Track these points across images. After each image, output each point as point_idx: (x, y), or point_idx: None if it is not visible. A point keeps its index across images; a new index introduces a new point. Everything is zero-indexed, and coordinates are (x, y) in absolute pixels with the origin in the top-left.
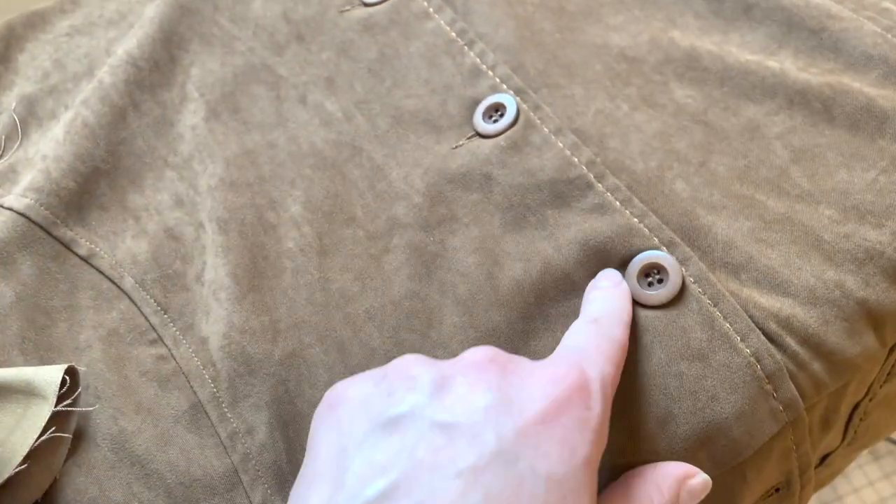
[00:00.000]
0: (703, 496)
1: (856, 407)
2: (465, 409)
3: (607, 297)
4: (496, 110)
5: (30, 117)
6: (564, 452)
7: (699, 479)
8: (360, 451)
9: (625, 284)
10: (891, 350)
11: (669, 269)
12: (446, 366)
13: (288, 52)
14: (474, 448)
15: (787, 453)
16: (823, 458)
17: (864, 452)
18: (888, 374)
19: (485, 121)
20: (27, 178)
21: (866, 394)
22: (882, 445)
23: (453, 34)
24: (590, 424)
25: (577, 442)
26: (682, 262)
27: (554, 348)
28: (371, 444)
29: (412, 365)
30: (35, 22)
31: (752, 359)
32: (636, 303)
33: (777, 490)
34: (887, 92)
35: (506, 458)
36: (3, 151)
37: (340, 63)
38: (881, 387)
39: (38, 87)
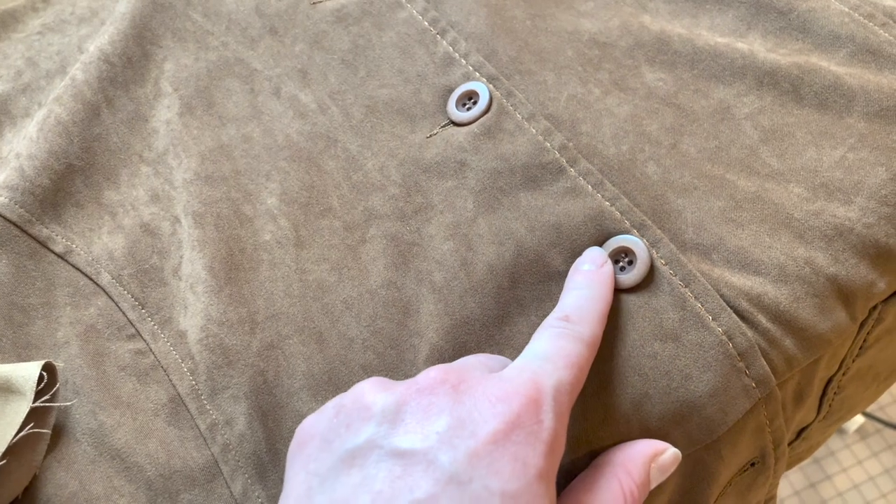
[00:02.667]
0: (673, 468)
1: (829, 381)
2: (419, 436)
3: (586, 284)
4: (469, 98)
5: (3, 116)
6: (517, 468)
7: (668, 454)
8: (323, 488)
9: (608, 266)
10: (861, 325)
11: (637, 251)
12: (401, 390)
13: (261, 45)
14: (429, 475)
15: (761, 429)
16: (800, 433)
17: (852, 431)
18: (860, 349)
19: (458, 109)
20: (1, 176)
21: (839, 368)
22: (869, 425)
23: (426, 23)
24: (541, 437)
25: (528, 456)
26: (654, 244)
27: (528, 333)
28: (332, 480)
29: (367, 392)
30: (6, 21)
31: (723, 337)
32: None
33: (752, 465)
34: (855, 70)
35: (460, 480)
36: None
37: (314, 55)
38: (854, 361)
39: (11, 86)
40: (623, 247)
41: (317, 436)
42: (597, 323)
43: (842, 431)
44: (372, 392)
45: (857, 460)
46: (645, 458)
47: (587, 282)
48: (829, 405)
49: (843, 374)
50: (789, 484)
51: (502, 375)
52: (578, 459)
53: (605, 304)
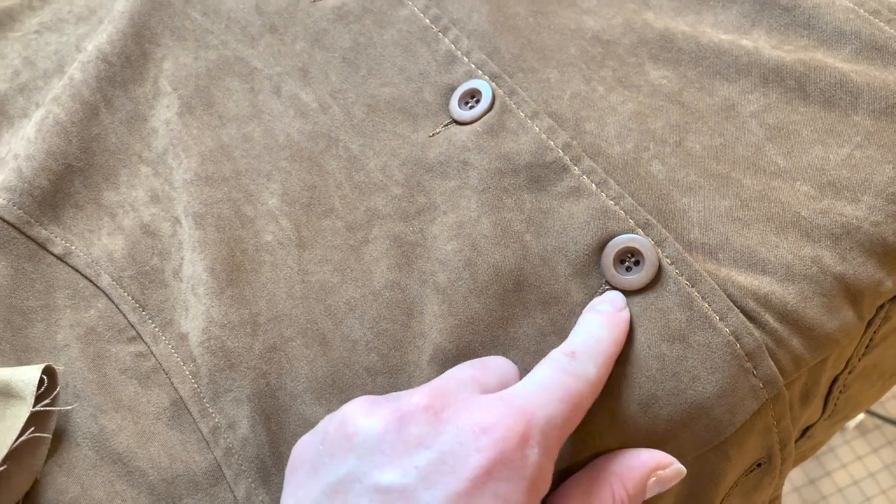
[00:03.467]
0: (673, 483)
1: (835, 380)
2: (399, 472)
3: (599, 324)
4: (472, 96)
5: (1, 116)
6: None
7: (671, 469)
8: None
9: (626, 313)
10: (868, 324)
11: (645, 251)
12: (384, 416)
13: (261, 43)
14: None
15: (768, 429)
16: (805, 431)
17: (852, 428)
18: (867, 348)
19: (461, 107)
20: None
21: (845, 367)
22: (869, 421)
23: (427, 21)
24: (525, 474)
25: (510, 493)
26: (659, 243)
27: (532, 334)
28: None
29: (349, 419)
30: (3, 20)
31: (731, 338)
32: (615, 289)
33: (759, 465)
34: (860, 67)
35: None
36: None
37: (314, 53)
38: (860, 360)
39: (9, 86)
40: (629, 247)
41: (306, 462)
42: (603, 365)
43: (842, 428)
44: (355, 418)
45: (857, 456)
46: (645, 470)
47: (602, 322)
48: (835, 404)
49: (849, 373)
50: (789, 480)
51: (490, 400)
52: (583, 462)
53: (616, 347)
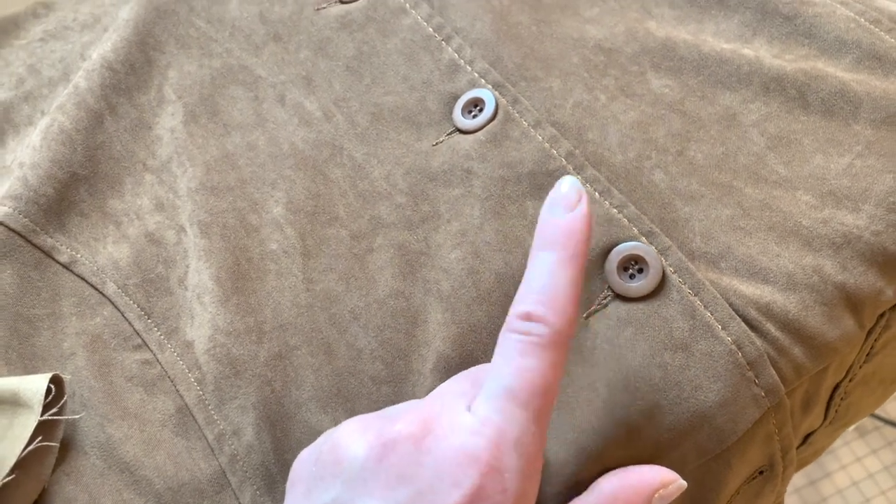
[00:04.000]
0: (674, 498)
1: (836, 388)
2: None
3: (552, 243)
4: (475, 105)
5: (6, 124)
6: None
7: (674, 486)
8: None
9: (583, 207)
10: (868, 332)
11: (649, 259)
12: (370, 442)
13: (265, 52)
14: None
15: (770, 437)
16: (806, 438)
17: (851, 429)
18: (867, 355)
19: (464, 116)
20: (5, 186)
21: (846, 375)
22: (868, 422)
23: (430, 29)
24: (506, 498)
25: None
26: (662, 252)
27: None
28: None
29: (340, 443)
30: (7, 28)
31: (733, 346)
32: (618, 296)
33: (761, 472)
34: (861, 76)
35: None
36: None
37: (318, 62)
38: (860, 368)
39: (14, 94)
40: (633, 254)
41: (303, 479)
42: (568, 307)
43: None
44: (345, 443)
45: (857, 457)
46: (650, 491)
47: (554, 240)
48: (836, 411)
49: (850, 381)
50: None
51: (469, 425)
52: (584, 469)
53: (579, 271)
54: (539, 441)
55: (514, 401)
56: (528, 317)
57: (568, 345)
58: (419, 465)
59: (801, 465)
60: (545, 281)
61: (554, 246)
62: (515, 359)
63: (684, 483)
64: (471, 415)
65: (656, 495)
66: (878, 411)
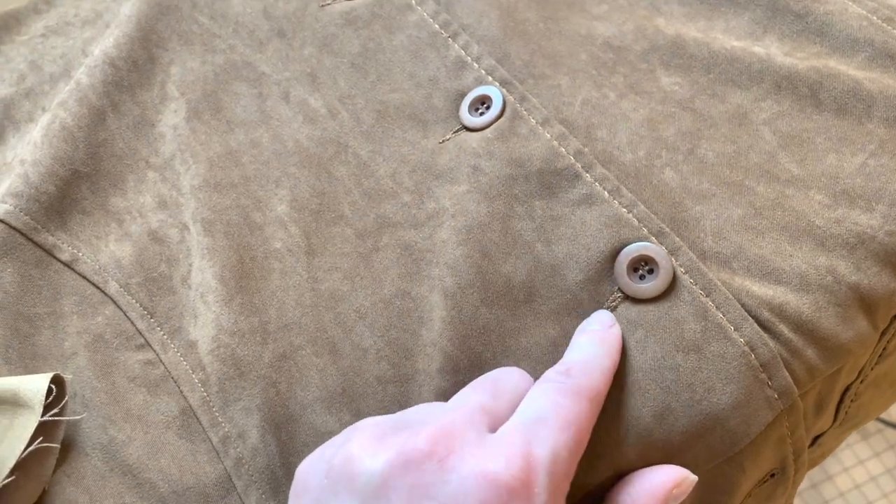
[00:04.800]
0: (688, 492)
1: (847, 389)
2: None
3: (591, 342)
4: (482, 103)
5: (6, 121)
6: None
7: (686, 484)
8: None
9: (617, 328)
10: (882, 333)
11: (659, 260)
12: (389, 459)
13: (269, 48)
14: None
15: (783, 440)
16: (815, 439)
17: (853, 432)
18: (879, 357)
19: (471, 114)
20: (6, 183)
21: (857, 376)
22: (871, 425)
23: (437, 26)
24: None
25: None
26: (673, 252)
27: (545, 344)
28: None
29: (355, 456)
30: (8, 23)
31: (746, 348)
32: (628, 297)
33: (773, 475)
34: (874, 74)
35: None
36: None
37: (323, 58)
38: (872, 369)
39: (14, 90)
40: (643, 255)
41: (311, 491)
42: (600, 378)
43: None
44: (360, 456)
45: (859, 460)
46: (664, 493)
47: (594, 339)
48: (846, 412)
49: (861, 382)
50: None
51: (495, 444)
52: (598, 473)
53: (612, 362)
54: (567, 470)
55: (544, 424)
56: (567, 372)
57: (600, 407)
58: (444, 482)
59: (810, 466)
60: (585, 353)
61: (596, 332)
62: (552, 395)
63: (695, 478)
64: (499, 436)
65: (669, 497)
66: (882, 414)
